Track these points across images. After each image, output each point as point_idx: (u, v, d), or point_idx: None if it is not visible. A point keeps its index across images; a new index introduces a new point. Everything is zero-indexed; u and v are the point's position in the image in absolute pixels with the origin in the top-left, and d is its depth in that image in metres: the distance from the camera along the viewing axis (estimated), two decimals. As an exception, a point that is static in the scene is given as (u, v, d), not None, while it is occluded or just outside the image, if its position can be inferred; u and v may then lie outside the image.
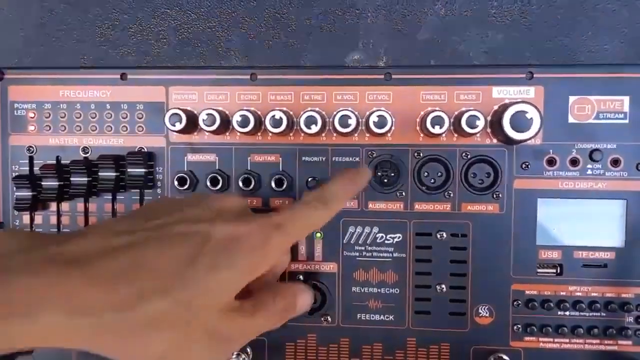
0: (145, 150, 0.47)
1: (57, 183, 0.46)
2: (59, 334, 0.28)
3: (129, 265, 0.30)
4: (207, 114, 0.43)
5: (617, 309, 0.44)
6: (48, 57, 0.47)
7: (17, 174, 0.48)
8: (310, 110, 0.43)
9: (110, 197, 0.47)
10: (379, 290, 0.46)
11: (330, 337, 0.47)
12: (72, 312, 0.28)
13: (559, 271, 0.45)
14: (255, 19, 0.46)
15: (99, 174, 0.45)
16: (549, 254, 0.45)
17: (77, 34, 0.47)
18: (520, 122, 0.40)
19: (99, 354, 0.30)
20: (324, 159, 0.46)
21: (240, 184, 0.45)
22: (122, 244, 0.32)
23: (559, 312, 0.45)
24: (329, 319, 0.46)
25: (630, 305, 0.44)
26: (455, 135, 0.45)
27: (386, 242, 0.46)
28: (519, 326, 0.45)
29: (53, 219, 0.48)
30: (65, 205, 0.48)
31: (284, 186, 0.45)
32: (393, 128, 0.44)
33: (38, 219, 0.48)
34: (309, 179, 0.46)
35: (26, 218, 0.48)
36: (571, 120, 0.44)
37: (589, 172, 0.44)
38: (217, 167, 0.47)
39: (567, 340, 0.45)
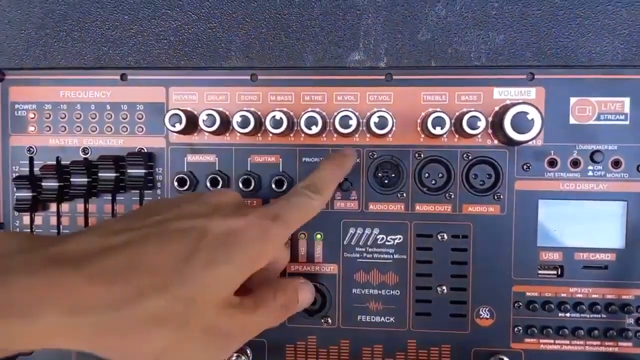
0: (145, 150, 0.47)
1: (57, 184, 0.46)
2: (59, 334, 0.28)
3: (127, 263, 0.30)
4: (207, 115, 0.43)
5: (618, 311, 0.44)
6: (48, 58, 0.47)
7: (17, 174, 0.48)
8: (311, 111, 0.43)
9: (110, 198, 0.47)
10: (380, 291, 0.46)
11: (330, 338, 0.46)
12: (72, 312, 0.28)
13: (559, 273, 0.45)
14: (256, 20, 0.46)
15: (99, 174, 0.45)
16: (550, 255, 0.45)
17: (77, 35, 0.47)
18: (521, 123, 0.40)
19: (99, 355, 0.30)
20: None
21: (240, 184, 0.45)
22: (121, 243, 0.32)
23: (560, 314, 0.45)
24: (329, 320, 0.46)
25: (631, 306, 0.44)
26: (456, 136, 0.45)
27: (387, 243, 0.46)
28: (520, 328, 0.45)
29: (53, 220, 0.48)
30: (65, 206, 0.48)
31: (284, 187, 0.45)
32: (394, 129, 0.44)
33: (38, 219, 0.48)
34: (310, 180, 0.46)
35: (26, 219, 0.48)
36: (572, 121, 0.44)
37: (590, 173, 0.44)
38: (217, 168, 0.47)
39: (568, 342, 0.45)
